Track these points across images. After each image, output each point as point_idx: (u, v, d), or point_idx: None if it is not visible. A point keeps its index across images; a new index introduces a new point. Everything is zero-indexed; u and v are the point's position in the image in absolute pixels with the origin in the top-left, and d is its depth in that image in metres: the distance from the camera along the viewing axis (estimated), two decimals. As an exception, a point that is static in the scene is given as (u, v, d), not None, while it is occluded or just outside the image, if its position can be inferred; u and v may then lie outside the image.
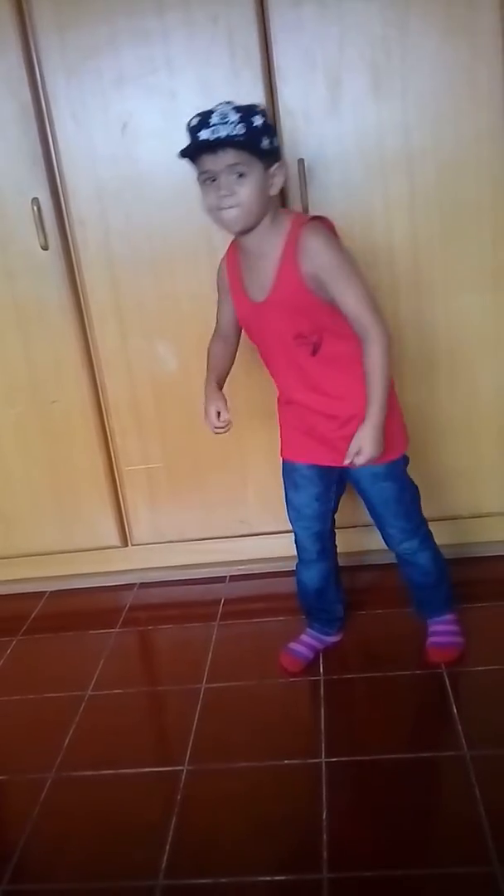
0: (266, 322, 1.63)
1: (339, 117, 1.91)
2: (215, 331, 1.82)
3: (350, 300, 1.53)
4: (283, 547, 2.25)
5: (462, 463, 2.16)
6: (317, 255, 1.52)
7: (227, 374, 1.81)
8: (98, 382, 2.20)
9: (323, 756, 1.57)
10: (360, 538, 2.11)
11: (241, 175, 1.46)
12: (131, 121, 1.97)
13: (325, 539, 1.86)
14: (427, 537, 1.82)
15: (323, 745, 1.60)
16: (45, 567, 2.42)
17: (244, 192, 1.47)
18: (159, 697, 1.92)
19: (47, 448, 2.28)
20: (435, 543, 1.83)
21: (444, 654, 1.82)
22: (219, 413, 1.75)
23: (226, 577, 2.37)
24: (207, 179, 1.49)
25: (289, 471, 1.81)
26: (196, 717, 1.75)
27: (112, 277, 2.09)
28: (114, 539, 2.36)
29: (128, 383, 2.19)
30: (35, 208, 2.03)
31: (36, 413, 2.24)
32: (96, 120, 1.98)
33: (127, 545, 2.37)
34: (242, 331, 1.78)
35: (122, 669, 2.01)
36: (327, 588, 1.89)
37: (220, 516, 2.30)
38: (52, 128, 1.99)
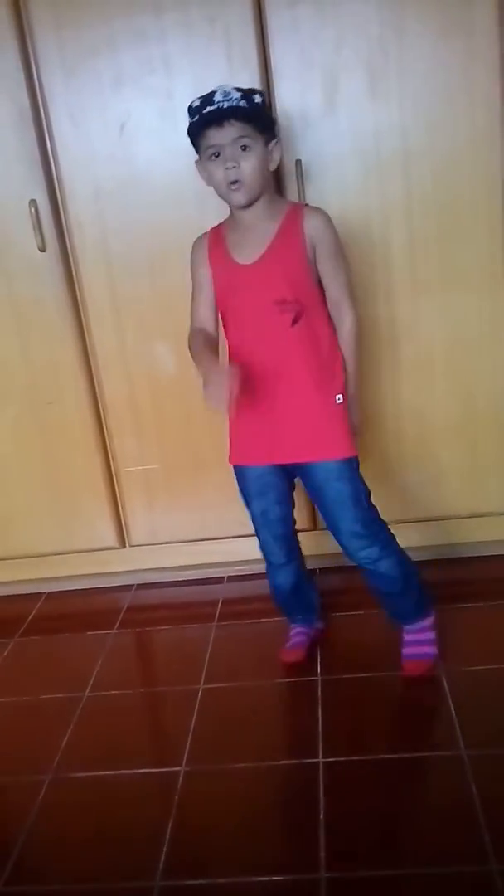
0: (250, 284, 1.64)
1: (336, 118, 1.92)
2: (191, 328, 1.74)
3: (340, 280, 1.66)
4: (280, 548, 2.25)
5: (459, 463, 2.17)
6: (323, 229, 1.62)
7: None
8: (96, 383, 2.20)
9: (320, 756, 1.57)
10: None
11: (245, 148, 1.54)
12: (129, 121, 1.97)
13: (292, 540, 1.86)
14: (388, 543, 1.73)
15: (320, 745, 1.60)
16: (42, 568, 2.41)
17: (248, 165, 1.55)
18: (157, 698, 1.92)
19: (45, 449, 2.28)
20: (399, 549, 1.75)
21: (415, 668, 1.79)
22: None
23: (223, 577, 2.37)
24: (212, 155, 1.56)
25: (247, 478, 1.78)
26: (193, 718, 1.75)
27: (109, 278, 2.10)
28: (111, 540, 2.36)
29: (125, 384, 2.19)
30: (33, 210, 2.03)
31: (33, 414, 2.24)
32: (94, 121, 1.98)
33: (124, 546, 2.37)
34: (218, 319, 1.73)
35: (120, 671, 2.01)
36: (300, 584, 1.90)
37: (218, 517, 2.30)
38: (50, 129, 1.99)
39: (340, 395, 1.68)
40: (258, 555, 2.31)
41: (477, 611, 2.01)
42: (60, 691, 1.92)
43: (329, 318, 1.69)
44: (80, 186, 2.03)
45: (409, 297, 2.03)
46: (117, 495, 2.32)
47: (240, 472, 1.79)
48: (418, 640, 1.82)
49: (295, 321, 1.63)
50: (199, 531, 2.33)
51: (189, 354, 1.69)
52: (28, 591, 2.44)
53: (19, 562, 2.41)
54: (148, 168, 2.00)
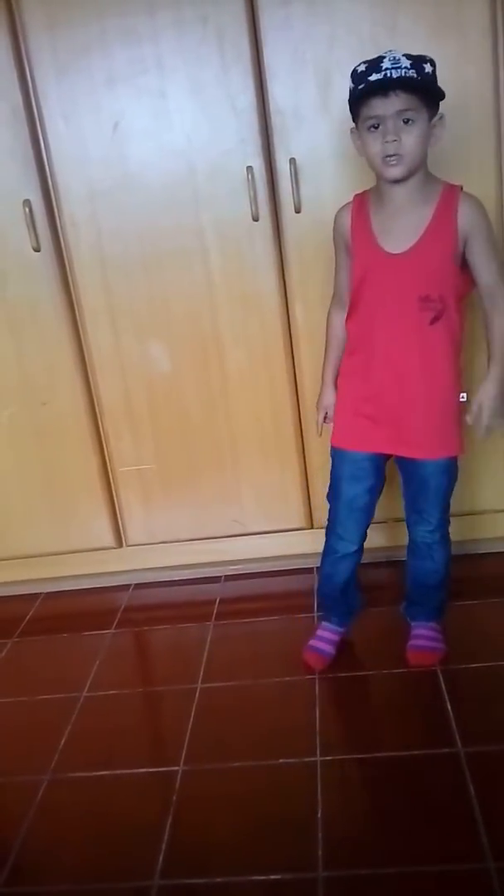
0: (397, 276, 1.58)
1: (330, 116, 1.91)
2: (334, 299, 1.78)
3: (494, 267, 1.58)
4: (277, 546, 2.26)
5: (460, 460, 2.16)
6: (478, 216, 1.55)
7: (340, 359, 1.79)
8: (91, 383, 2.20)
9: (318, 755, 1.57)
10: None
11: (407, 121, 1.47)
12: (122, 121, 1.97)
13: (366, 530, 1.84)
14: (447, 536, 1.80)
15: (318, 743, 1.60)
16: (39, 569, 2.41)
17: (410, 139, 1.47)
18: (155, 698, 1.91)
19: (41, 449, 2.27)
20: (450, 549, 1.82)
21: (425, 658, 1.80)
22: (325, 415, 1.82)
23: (220, 577, 2.37)
24: (372, 127, 1.49)
25: (345, 461, 1.75)
26: (191, 718, 1.75)
27: (104, 278, 2.09)
28: (108, 540, 2.36)
29: (121, 384, 2.19)
30: (27, 210, 2.03)
31: (29, 414, 2.24)
32: (87, 120, 1.97)
33: (121, 546, 2.37)
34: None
35: (118, 670, 2.00)
36: (352, 580, 1.88)
37: (214, 516, 2.30)
38: (43, 128, 1.99)
39: (465, 394, 1.67)
40: (255, 554, 2.33)
41: (473, 608, 2.01)
42: (58, 691, 1.92)
43: (462, 313, 1.64)
44: (74, 186, 2.02)
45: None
46: (114, 495, 2.32)
47: (341, 454, 1.76)
48: (428, 636, 1.84)
49: (434, 320, 1.59)
50: (195, 530, 2.33)
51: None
52: (25, 592, 2.44)
53: (16, 562, 2.41)
54: (142, 168, 2.00)
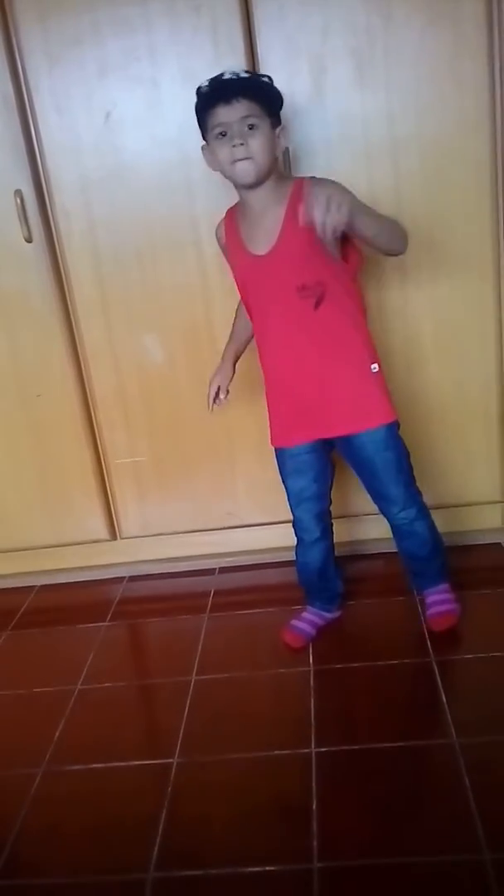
0: (269, 275, 1.66)
1: (324, 106, 1.90)
2: (239, 302, 1.86)
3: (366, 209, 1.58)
4: (272, 538, 2.26)
5: (450, 452, 2.17)
6: (327, 187, 1.55)
7: (246, 345, 1.88)
8: (84, 375, 2.19)
9: (313, 746, 1.57)
10: (352, 527, 2.12)
11: (251, 127, 1.55)
12: (115, 111, 1.96)
13: (326, 517, 1.89)
14: (423, 507, 1.84)
15: (313, 735, 1.60)
16: (34, 561, 2.41)
17: (255, 144, 1.56)
18: (149, 690, 1.92)
19: (34, 442, 2.27)
20: (430, 515, 1.85)
21: (445, 622, 1.85)
22: (218, 390, 1.88)
23: (215, 569, 2.36)
24: (219, 135, 1.57)
25: (286, 458, 1.83)
26: (186, 710, 1.75)
27: (97, 269, 2.08)
28: (103, 532, 2.35)
29: (114, 376, 2.19)
30: (18, 200, 2.01)
31: (22, 407, 2.23)
32: (79, 110, 1.96)
33: (116, 538, 2.37)
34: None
35: (112, 663, 2.00)
36: (328, 566, 1.92)
37: (209, 508, 2.30)
38: (35, 118, 1.98)
39: (376, 364, 1.72)
40: (249, 545, 2.33)
41: (467, 599, 2.00)
42: (53, 684, 1.92)
43: (354, 286, 1.71)
44: (66, 176, 2.01)
45: (398, 284, 2.02)
46: (108, 487, 2.31)
47: (280, 452, 1.84)
48: (441, 600, 1.89)
49: (318, 304, 1.64)
50: (190, 522, 2.33)
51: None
52: (20, 584, 2.43)
53: (11, 555, 2.41)
54: (134, 157, 1.99)
